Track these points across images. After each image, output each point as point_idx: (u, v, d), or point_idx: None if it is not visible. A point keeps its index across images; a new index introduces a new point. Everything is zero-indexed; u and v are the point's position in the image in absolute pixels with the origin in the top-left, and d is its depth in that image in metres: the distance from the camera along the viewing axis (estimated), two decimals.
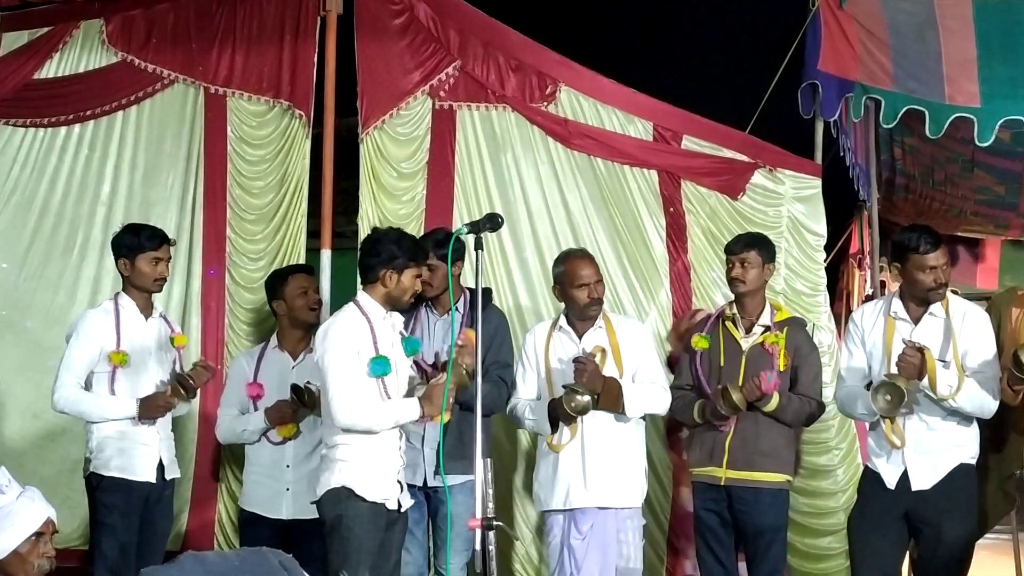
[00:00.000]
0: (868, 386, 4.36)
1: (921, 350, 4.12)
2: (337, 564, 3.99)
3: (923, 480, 4.27)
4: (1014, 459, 4.72)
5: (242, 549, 2.34)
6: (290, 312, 4.95)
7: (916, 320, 4.34)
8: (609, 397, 4.42)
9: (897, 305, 4.40)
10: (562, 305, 4.77)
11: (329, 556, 4.05)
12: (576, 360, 4.43)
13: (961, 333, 4.27)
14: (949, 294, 4.42)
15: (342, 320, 4.12)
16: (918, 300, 4.35)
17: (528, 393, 4.67)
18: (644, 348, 4.67)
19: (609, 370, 4.53)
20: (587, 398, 4.37)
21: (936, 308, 4.32)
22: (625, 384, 4.50)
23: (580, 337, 4.61)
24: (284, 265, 5.44)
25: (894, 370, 4.18)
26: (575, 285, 4.57)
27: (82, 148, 5.96)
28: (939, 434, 4.27)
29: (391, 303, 4.15)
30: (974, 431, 4.33)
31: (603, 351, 4.52)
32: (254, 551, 2.36)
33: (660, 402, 4.61)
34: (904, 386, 4.13)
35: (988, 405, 4.24)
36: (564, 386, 4.42)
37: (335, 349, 4.02)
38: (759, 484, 4.58)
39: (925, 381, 4.16)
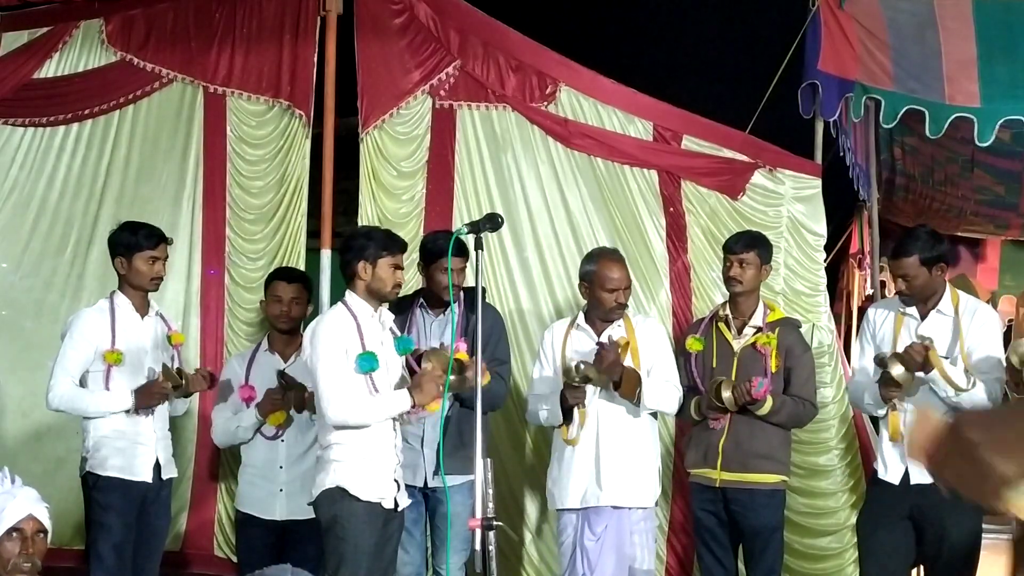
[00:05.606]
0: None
1: (927, 348, 4.11)
2: (334, 565, 3.97)
3: (924, 473, 4.23)
4: None
5: None
6: (267, 316, 4.94)
7: (923, 316, 4.34)
8: (628, 385, 4.39)
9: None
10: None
11: (326, 557, 4.04)
12: (599, 343, 4.41)
13: (969, 331, 4.26)
14: (960, 292, 4.42)
15: (329, 319, 4.10)
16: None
17: (544, 390, 4.62)
18: (661, 347, 4.63)
19: (627, 364, 4.48)
20: (591, 370, 4.33)
21: (944, 305, 4.32)
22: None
23: (599, 335, 4.56)
24: (282, 266, 5.43)
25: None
26: (605, 288, 4.50)
27: (79, 147, 5.95)
28: None
29: (376, 297, 4.11)
30: None
31: (627, 344, 4.48)
32: None
33: (673, 399, 4.58)
34: (903, 376, 4.13)
35: (987, 406, 4.19)
36: (572, 367, 4.38)
37: (322, 348, 4.00)
38: (753, 485, 4.56)
39: (935, 374, 4.15)
